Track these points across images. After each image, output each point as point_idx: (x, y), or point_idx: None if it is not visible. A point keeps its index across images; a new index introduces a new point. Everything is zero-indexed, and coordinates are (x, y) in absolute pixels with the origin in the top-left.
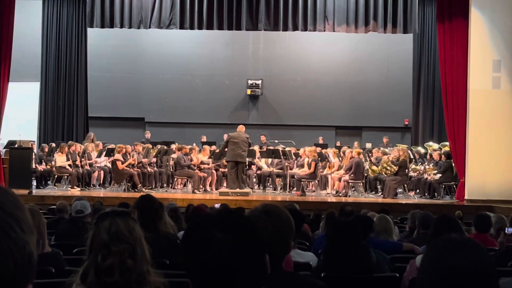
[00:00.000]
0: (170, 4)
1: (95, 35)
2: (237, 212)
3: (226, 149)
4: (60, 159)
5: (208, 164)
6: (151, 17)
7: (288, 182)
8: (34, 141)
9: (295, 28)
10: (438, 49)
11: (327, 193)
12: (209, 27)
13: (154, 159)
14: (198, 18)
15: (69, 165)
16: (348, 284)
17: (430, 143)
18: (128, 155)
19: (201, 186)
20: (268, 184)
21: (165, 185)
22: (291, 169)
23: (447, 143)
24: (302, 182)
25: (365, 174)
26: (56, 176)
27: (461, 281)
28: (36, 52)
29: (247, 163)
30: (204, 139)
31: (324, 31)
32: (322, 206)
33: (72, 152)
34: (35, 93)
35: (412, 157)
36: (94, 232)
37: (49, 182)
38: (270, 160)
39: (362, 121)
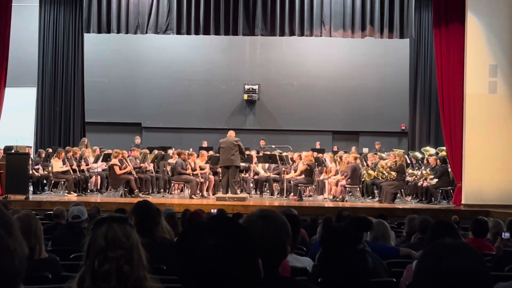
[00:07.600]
0: (167, 9)
1: (92, 40)
2: (229, 218)
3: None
4: (57, 165)
5: (205, 169)
6: (148, 22)
7: (285, 187)
8: (30, 147)
9: (292, 33)
10: (435, 54)
11: (324, 198)
12: (206, 32)
13: (151, 164)
14: (195, 23)
15: (67, 171)
16: None
17: (427, 147)
18: (124, 161)
19: (198, 191)
20: (265, 189)
21: (162, 190)
22: (288, 174)
23: (444, 148)
24: (299, 187)
25: (362, 179)
26: (53, 182)
27: (455, 286)
28: (33, 58)
29: (240, 167)
30: (205, 144)
31: (321, 36)
32: (319, 211)
33: (69, 157)
34: (31, 99)
35: (409, 162)
36: (91, 238)
37: (46, 188)
38: (267, 165)
39: (359, 126)
